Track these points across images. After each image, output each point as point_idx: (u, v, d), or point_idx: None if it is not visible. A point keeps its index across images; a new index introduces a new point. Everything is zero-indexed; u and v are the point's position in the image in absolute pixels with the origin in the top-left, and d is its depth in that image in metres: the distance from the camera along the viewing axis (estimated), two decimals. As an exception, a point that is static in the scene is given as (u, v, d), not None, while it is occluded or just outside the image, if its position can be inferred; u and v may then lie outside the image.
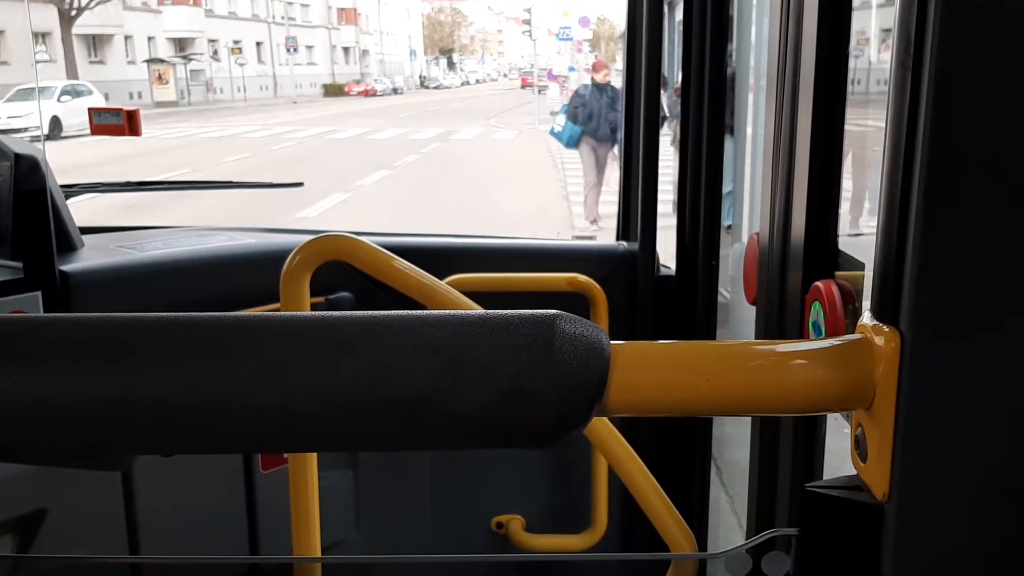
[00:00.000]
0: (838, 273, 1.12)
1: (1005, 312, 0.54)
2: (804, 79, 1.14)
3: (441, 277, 1.62)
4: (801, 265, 1.17)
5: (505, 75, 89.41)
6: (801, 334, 1.13)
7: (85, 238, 2.04)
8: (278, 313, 0.57)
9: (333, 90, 52.05)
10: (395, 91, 53.85)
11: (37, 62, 32.07)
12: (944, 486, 0.57)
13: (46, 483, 1.79)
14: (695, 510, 2.03)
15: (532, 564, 2.05)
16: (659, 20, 1.97)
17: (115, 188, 2.65)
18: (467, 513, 2.32)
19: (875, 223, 0.59)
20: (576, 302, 2.04)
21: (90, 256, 1.95)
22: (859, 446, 0.61)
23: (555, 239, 2.76)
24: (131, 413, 0.53)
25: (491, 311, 0.57)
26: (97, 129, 2.36)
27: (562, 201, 11.63)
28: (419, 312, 0.56)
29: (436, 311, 0.58)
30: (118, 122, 2.36)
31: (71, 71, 33.95)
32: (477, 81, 78.14)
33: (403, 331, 0.55)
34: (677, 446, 2.08)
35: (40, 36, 36.09)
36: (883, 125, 0.57)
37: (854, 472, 0.62)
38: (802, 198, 1.15)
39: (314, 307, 1.59)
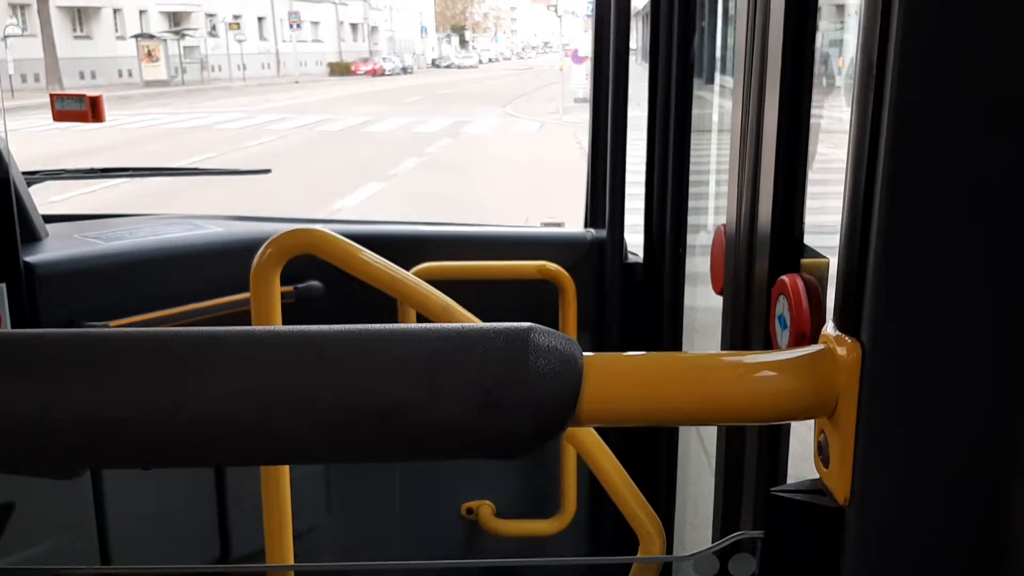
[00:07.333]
0: (804, 261, 1.14)
1: (962, 324, 0.56)
2: (771, 71, 1.15)
3: (411, 265, 1.81)
4: (767, 257, 1.18)
5: (518, 54, 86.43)
6: (767, 326, 1.14)
7: (48, 227, 2.06)
8: (253, 328, 0.57)
9: (339, 68, 49.97)
10: (404, 71, 51.76)
11: (7, 36, 29.63)
12: (902, 491, 0.59)
13: (12, 479, 1.79)
14: (662, 498, 2.05)
15: (503, 551, 2.24)
16: (627, 6, 2.02)
17: (78, 175, 2.66)
18: (438, 499, 2.39)
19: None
20: (545, 289, 2.11)
21: (55, 246, 1.98)
22: (822, 452, 0.63)
23: (523, 226, 2.61)
24: (103, 431, 0.53)
25: (466, 324, 0.57)
26: (60, 116, 2.33)
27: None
28: (395, 326, 0.57)
29: (412, 325, 0.58)
30: (80, 108, 2.33)
31: (48, 46, 31.36)
32: (491, 60, 75.16)
33: (380, 345, 0.56)
34: (644, 434, 2.12)
35: (17, 8, 33.89)
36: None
37: (817, 476, 0.64)
38: (768, 191, 1.17)
39: (283, 296, 1.53)
